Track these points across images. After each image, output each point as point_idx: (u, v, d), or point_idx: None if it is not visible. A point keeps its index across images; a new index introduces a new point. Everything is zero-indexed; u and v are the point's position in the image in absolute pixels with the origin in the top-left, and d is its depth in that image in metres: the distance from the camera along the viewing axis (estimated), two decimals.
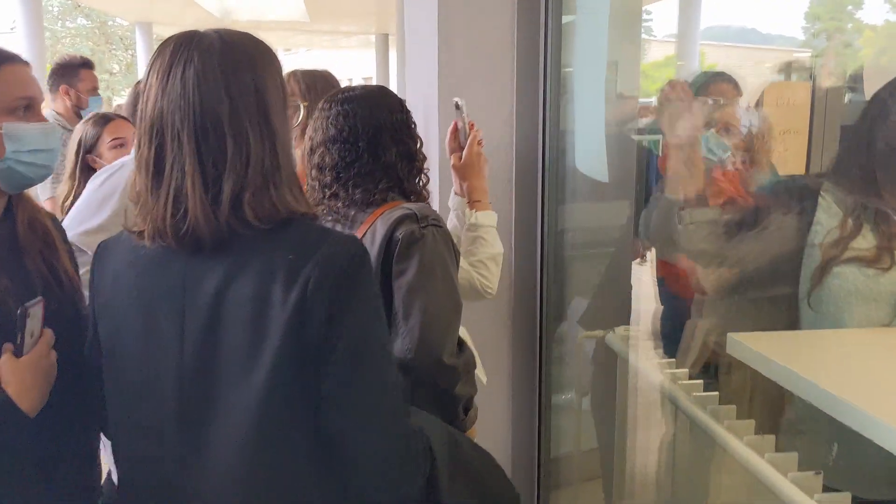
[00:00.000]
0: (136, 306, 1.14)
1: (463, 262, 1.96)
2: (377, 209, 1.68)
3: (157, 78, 1.10)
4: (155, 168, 1.10)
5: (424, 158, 1.81)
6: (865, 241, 1.61)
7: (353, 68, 33.42)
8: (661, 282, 2.37)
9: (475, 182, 2.02)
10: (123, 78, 28.94)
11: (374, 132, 1.71)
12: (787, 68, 2.52)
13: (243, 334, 1.06)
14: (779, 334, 1.67)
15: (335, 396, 1.07)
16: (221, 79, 1.08)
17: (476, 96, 2.33)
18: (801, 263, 1.70)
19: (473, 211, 2.00)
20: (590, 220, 2.63)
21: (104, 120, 2.66)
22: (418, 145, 1.79)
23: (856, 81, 2.20)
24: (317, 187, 1.75)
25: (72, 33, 30.82)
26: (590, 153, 2.28)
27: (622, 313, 2.34)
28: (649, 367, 2.08)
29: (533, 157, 2.41)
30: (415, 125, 1.82)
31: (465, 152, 2.02)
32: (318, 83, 2.41)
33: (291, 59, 37.48)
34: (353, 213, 1.71)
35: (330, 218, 1.73)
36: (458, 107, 2.03)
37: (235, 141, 1.07)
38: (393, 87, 4.80)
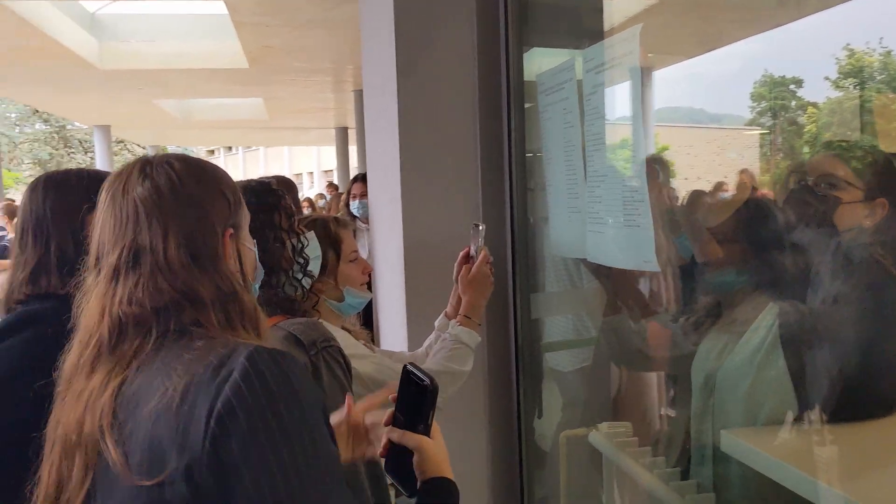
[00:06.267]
0: None
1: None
2: None
3: None
4: None
5: None
6: None
7: (314, 162, 33.77)
8: None
9: (474, 300, 1.99)
10: None
11: None
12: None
13: None
14: (772, 429, 1.58)
15: None
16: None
17: (438, 188, 2.28)
18: None
19: (457, 324, 1.96)
20: (567, 309, 2.55)
21: None
22: None
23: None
24: None
25: (30, 138, 30.81)
26: (564, 239, 2.22)
27: (605, 410, 2.24)
28: (636, 466, 1.96)
29: (502, 244, 2.33)
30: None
31: (473, 269, 1.99)
32: None
33: (252, 156, 37.83)
34: None
35: None
36: (476, 229, 2.02)
37: None
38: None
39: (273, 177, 3.13)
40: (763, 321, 1.69)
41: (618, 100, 1.78)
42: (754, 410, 1.66)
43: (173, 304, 0.99)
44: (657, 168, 2.19)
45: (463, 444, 2.35)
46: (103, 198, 1.07)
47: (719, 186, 2.24)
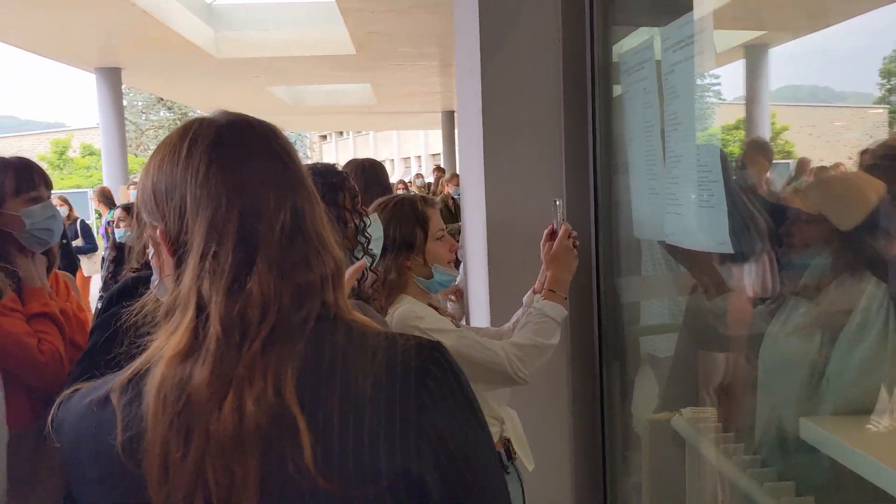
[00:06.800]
0: None
1: (497, 344, 1.87)
2: None
3: None
4: None
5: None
6: None
7: (422, 145, 34.15)
8: None
9: (558, 273, 1.99)
10: None
11: None
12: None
13: None
14: (852, 418, 1.52)
15: None
16: None
17: (521, 168, 2.29)
18: None
19: (541, 297, 1.97)
20: (651, 293, 2.50)
21: None
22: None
23: None
24: None
25: (155, 125, 32.48)
26: (643, 220, 2.19)
27: (689, 394, 2.20)
28: (715, 452, 1.92)
29: (585, 225, 2.32)
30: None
31: (555, 243, 2.01)
32: None
33: (362, 140, 38.58)
34: None
35: None
36: (555, 204, 2.04)
37: None
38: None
39: (364, 159, 3.22)
40: (865, 305, 1.62)
41: (695, 78, 1.73)
42: (843, 398, 1.59)
43: (318, 281, 0.91)
44: (755, 150, 2.13)
45: (545, 424, 2.36)
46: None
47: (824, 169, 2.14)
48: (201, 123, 0.94)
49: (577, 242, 2.04)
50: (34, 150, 29.26)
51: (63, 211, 7.64)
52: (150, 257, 0.99)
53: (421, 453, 0.86)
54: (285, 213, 0.90)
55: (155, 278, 1.01)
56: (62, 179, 26.30)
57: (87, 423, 0.89)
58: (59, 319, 2.05)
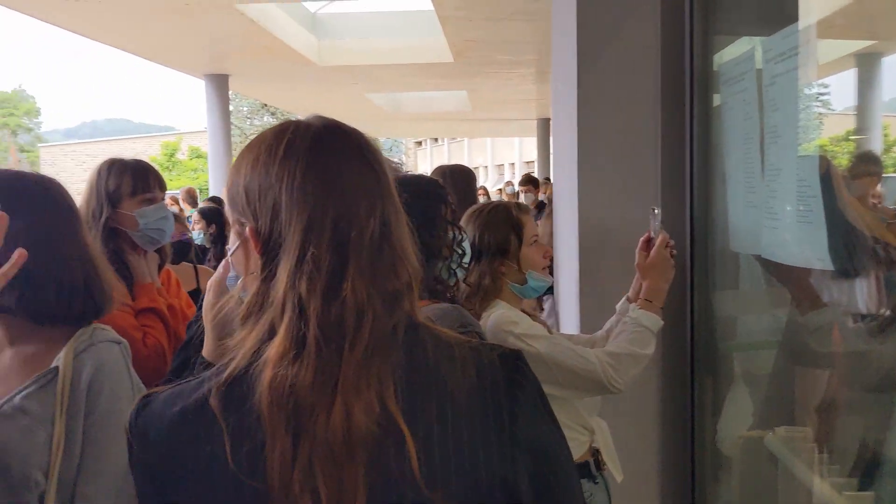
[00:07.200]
0: None
1: (591, 352, 1.87)
2: None
3: None
4: None
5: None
6: None
7: (516, 152, 34.10)
8: None
9: (654, 283, 1.99)
10: None
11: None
12: None
13: None
14: None
15: None
16: None
17: (615, 177, 2.28)
18: None
19: (637, 307, 1.96)
20: (749, 308, 2.44)
21: None
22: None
23: None
24: None
25: (258, 130, 33.54)
26: (741, 234, 2.14)
27: (786, 412, 2.14)
28: (809, 472, 1.86)
29: (681, 237, 2.29)
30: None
31: (652, 252, 2.00)
32: None
33: (456, 147, 38.82)
34: None
35: None
36: (653, 213, 2.03)
37: None
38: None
39: (453, 165, 3.26)
40: None
41: (796, 90, 1.69)
42: None
43: (404, 289, 0.92)
44: (863, 162, 2.06)
45: (634, 437, 2.34)
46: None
47: None
48: (298, 126, 0.95)
49: (675, 252, 2.02)
50: (146, 152, 30.67)
51: (174, 210, 7.99)
52: (229, 254, 0.99)
53: (515, 462, 0.89)
54: (375, 221, 0.90)
55: (233, 275, 1.02)
56: (171, 181, 27.51)
57: (183, 432, 0.88)
58: (164, 315, 2.15)
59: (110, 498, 1.42)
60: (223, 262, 1.13)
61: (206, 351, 1.18)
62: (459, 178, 3.12)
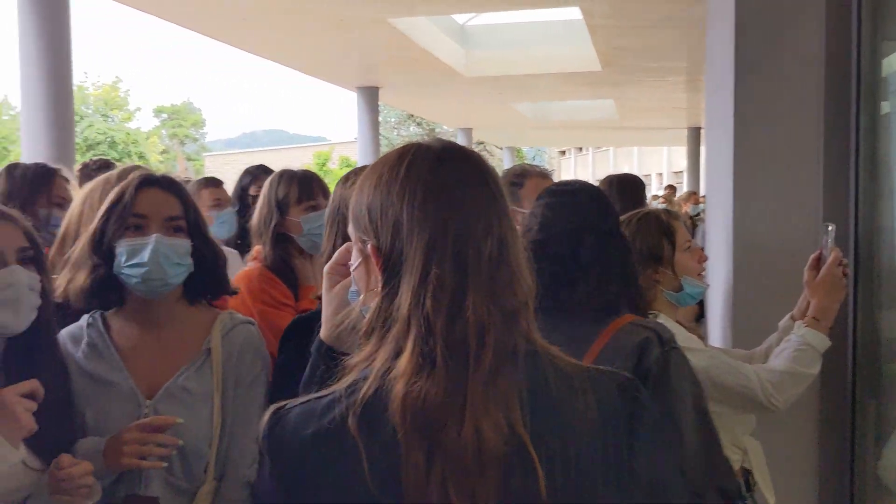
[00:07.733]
0: None
1: (749, 368, 1.81)
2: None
3: None
4: None
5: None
6: None
7: (663, 162, 33.19)
8: None
9: (823, 301, 1.93)
10: None
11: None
12: None
13: None
14: None
15: None
16: None
17: (773, 189, 2.20)
18: None
19: (803, 324, 1.91)
20: None
21: None
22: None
23: None
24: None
25: (404, 140, 34.37)
26: None
27: None
28: None
29: (845, 252, 2.17)
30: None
31: (823, 269, 1.94)
32: None
33: (601, 156, 38.24)
34: None
35: None
36: (826, 229, 1.97)
37: None
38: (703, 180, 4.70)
39: (621, 174, 3.21)
40: None
41: None
42: None
43: (521, 307, 0.94)
44: None
45: (789, 459, 2.25)
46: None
47: None
48: (419, 148, 0.98)
49: (847, 271, 1.94)
50: (299, 161, 32.01)
51: None
52: (352, 270, 1.03)
53: (631, 494, 0.93)
54: (492, 240, 0.93)
55: (354, 289, 1.05)
56: None
57: (320, 455, 0.91)
58: None
59: (251, 460, 1.61)
60: (339, 249, 1.24)
61: (325, 333, 1.28)
62: (628, 188, 3.06)
